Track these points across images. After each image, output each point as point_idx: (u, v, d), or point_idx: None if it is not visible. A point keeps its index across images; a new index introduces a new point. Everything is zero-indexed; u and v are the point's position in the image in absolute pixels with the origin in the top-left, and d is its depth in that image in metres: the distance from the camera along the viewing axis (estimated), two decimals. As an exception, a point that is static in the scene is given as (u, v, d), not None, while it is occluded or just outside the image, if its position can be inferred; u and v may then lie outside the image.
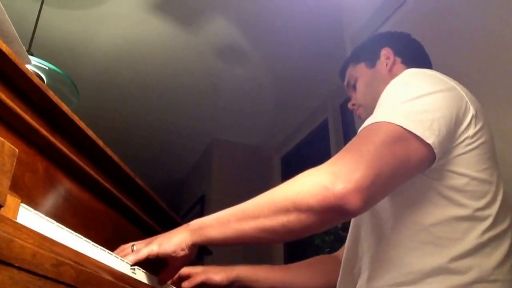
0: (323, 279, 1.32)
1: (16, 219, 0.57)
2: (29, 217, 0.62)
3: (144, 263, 0.96)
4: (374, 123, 0.90)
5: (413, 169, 0.90)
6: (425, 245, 0.91)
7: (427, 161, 0.90)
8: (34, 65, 2.30)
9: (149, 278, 1.02)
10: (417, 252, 0.92)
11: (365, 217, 1.08)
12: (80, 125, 0.94)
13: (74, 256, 0.59)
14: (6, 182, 0.48)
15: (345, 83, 1.42)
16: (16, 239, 0.47)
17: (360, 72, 1.36)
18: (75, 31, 3.36)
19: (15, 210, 0.58)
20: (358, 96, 1.35)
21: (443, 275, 0.88)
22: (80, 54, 3.58)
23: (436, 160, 0.90)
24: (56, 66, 2.42)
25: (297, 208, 0.82)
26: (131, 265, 0.91)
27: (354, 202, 0.78)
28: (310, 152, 4.05)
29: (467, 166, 0.94)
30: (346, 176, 0.80)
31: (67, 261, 0.56)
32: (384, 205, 0.98)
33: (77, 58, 3.61)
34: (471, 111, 0.98)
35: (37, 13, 2.72)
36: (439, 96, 0.95)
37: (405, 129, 0.86)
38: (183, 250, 0.94)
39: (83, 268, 0.59)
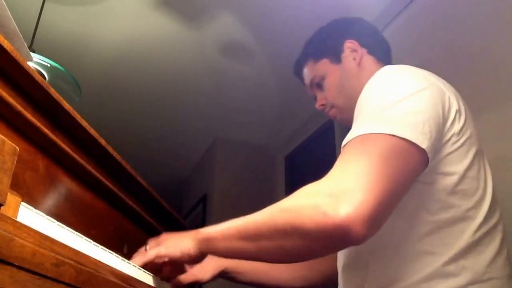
0: (310, 272, 1.31)
1: (16, 218, 0.58)
2: (30, 216, 0.62)
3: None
4: (366, 134, 0.83)
5: (412, 179, 0.85)
6: (421, 256, 0.89)
7: (422, 167, 0.86)
8: (35, 62, 2.31)
9: (153, 280, 1.02)
10: (414, 264, 0.89)
11: None
12: (82, 123, 0.94)
13: (74, 255, 0.59)
14: (7, 181, 0.48)
15: (307, 82, 1.33)
16: (16, 238, 0.48)
17: (325, 69, 1.27)
18: (77, 28, 3.36)
19: (15, 209, 0.58)
20: (328, 96, 1.27)
21: (436, 280, 0.86)
22: (82, 51, 3.58)
23: (428, 164, 0.86)
24: (58, 63, 2.42)
25: (297, 233, 0.77)
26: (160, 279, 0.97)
27: (358, 230, 0.72)
28: (315, 151, 4.04)
29: (456, 164, 0.90)
30: (348, 201, 0.73)
31: (67, 260, 0.56)
32: None
33: (79, 55, 3.62)
34: (454, 106, 0.93)
35: (39, 9, 2.72)
36: (424, 95, 0.90)
37: (399, 137, 0.81)
38: (190, 256, 0.96)
39: (83, 267, 0.59)
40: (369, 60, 1.24)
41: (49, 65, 2.36)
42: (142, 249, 1.03)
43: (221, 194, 4.47)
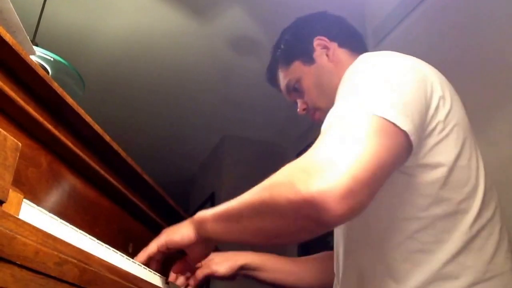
0: (332, 275, 1.31)
1: (18, 215, 0.58)
2: (32, 214, 0.62)
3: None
4: (346, 113, 0.81)
5: (394, 162, 0.80)
6: (414, 255, 0.87)
7: (405, 151, 0.82)
8: (38, 56, 2.32)
9: (160, 280, 1.03)
10: (407, 264, 0.87)
11: (340, 231, 1.05)
12: (86, 119, 0.95)
13: (78, 254, 0.59)
14: (9, 177, 0.48)
15: (283, 88, 1.31)
16: (18, 236, 0.48)
17: (299, 72, 1.25)
18: (81, 21, 3.37)
19: (17, 206, 0.58)
20: (309, 99, 1.25)
21: (436, 283, 0.84)
22: (86, 44, 3.60)
23: (413, 151, 0.83)
24: (62, 57, 2.43)
25: (271, 212, 0.76)
26: (166, 281, 0.99)
27: (331, 207, 0.66)
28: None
29: (444, 154, 0.88)
30: (322, 176, 0.68)
31: (70, 259, 0.56)
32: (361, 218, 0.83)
33: (83, 49, 3.63)
34: (437, 92, 0.91)
35: (42, 2, 2.74)
36: (406, 79, 0.88)
37: (380, 117, 0.77)
38: (190, 239, 0.96)
39: (87, 266, 0.60)
40: (342, 54, 1.24)
41: (52, 59, 2.37)
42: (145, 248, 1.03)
43: (230, 193, 4.40)
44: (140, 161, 1.25)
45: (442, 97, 0.91)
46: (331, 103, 0.89)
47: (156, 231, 1.44)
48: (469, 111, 1.79)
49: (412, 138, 0.80)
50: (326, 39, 1.25)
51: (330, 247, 1.20)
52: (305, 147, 3.71)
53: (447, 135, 0.89)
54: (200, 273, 1.20)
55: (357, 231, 0.98)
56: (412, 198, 0.88)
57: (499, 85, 1.73)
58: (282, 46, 1.32)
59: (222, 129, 4.73)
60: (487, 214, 0.91)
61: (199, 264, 1.20)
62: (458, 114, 0.94)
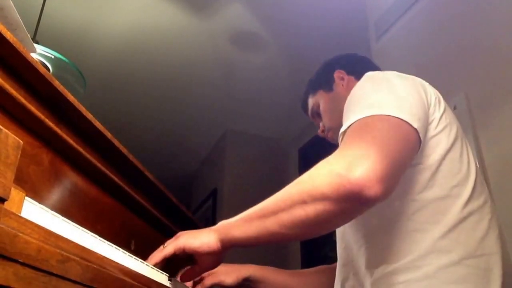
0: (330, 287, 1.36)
1: (20, 213, 0.58)
2: (34, 211, 0.62)
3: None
4: (363, 118, 0.92)
5: (411, 154, 0.94)
6: (411, 233, 0.96)
7: (417, 145, 0.94)
8: (39, 54, 2.32)
9: (162, 276, 1.03)
10: (405, 242, 0.96)
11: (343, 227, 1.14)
12: (87, 116, 0.95)
13: (80, 251, 0.60)
14: (10, 175, 0.48)
15: (309, 113, 1.53)
16: (21, 234, 0.48)
17: (320, 98, 1.47)
18: (82, 18, 3.37)
19: (19, 204, 0.59)
20: (325, 121, 1.45)
21: (431, 255, 0.92)
22: (87, 42, 3.60)
23: (420, 146, 0.95)
24: (62, 55, 2.43)
25: (314, 199, 0.83)
26: (169, 277, 1.01)
27: (373, 188, 0.79)
28: (329, 144, 4.03)
29: (437, 146, 0.99)
30: (361, 164, 0.80)
31: (73, 257, 0.57)
32: None
33: (84, 46, 3.63)
34: (434, 96, 1.06)
35: (42, 0, 2.74)
36: (407, 84, 1.03)
37: (394, 117, 0.91)
38: (209, 247, 0.97)
39: (89, 264, 0.60)
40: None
41: (53, 57, 2.37)
42: (160, 247, 1.03)
43: (232, 189, 4.47)
44: (141, 158, 1.26)
45: (438, 99, 1.06)
46: (341, 124, 1.01)
47: (158, 228, 1.45)
48: (472, 106, 1.80)
49: (421, 135, 0.93)
50: (344, 72, 1.45)
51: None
52: (307, 142, 3.70)
53: (440, 131, 1.01)
54: (208, 282, 1.26)
55: (363, 219, 1.04)
56: (410, 183, 0.98)
57: (500, 79, 1.73)
58: (312, 79, 1.54)
59: (224, 125, 4.73)
60: (478, 202, 1.00)
61: (205, 274, 1.24)
62: (450, 118, 1.07)
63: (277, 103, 4.26)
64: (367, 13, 2.75)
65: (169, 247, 1.00)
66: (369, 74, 1.11)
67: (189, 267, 1.10)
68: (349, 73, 1.45)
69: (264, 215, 0.90)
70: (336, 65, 1.49)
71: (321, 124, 1.49)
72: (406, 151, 0.91)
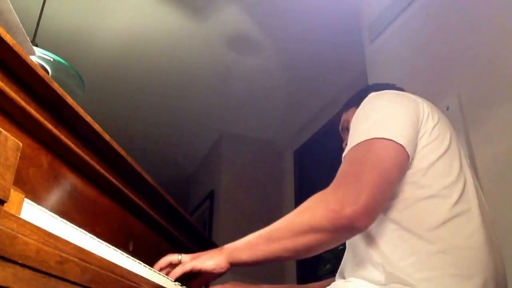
0: None
1: (19, 214, 0.58)
2: (33, 213, 0.62)
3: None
4: (356, 144, 1.05)
5: (400, 172, 1.04)
6: (398, 232, 1.02)
7: (406, 161, 1.04)
8: (38, 56, 2.32)
9: (159, 277, 1.03)
10: (392, 241, 1.02)
11: None
12: (86, 118, 0.95)
13: (79, 253, 0.59)
14: (10, 177, 0.48)
15: (340, 128, 1.59)
16: (20, 236, 0.48)
17: (351, 115, 1.47)
18: (81, 21, 3.37)
19: (18, 206, 0.58)
20: None
21: (416, 241, 0.99)
22: (86, 44, 3.59)
23: (410, 159, 1.04)
24: (61, 57, 2.43)
25: (314, 230, 1.00)
26: (173, 280, 1.11)
27: (362, 220, 0.95)
28: (324, 146, 4.03)
29: (431, 152, 1.07)
30: (352, 201, 0.95)
31: (72, 258, 0.56)
32: None
33: (83, 49, 3.63)
34: (426, 111, 1.13)
35: (41, 3, 2.74)
36: (399, 104, 1.13)
37: (382, 138, 1.02)
38: (222, 268, 1.13)
39: (88, 265, 0.60)
40: None
41: (52, 59, 2.37)
42: (175, 257, 1.17)
43: (229, 190, 4.47)
44: (139, 160, 1.26)
45: (431, 114, 1.14)
46: None
47: (156, 229, 1.45)
48: (464, 107, 1.80)
49: (408, 149, 1.03)
50: None
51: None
52: (302, 144, 3.70)
53: (433, 140, 1.09)
54: None
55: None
56: (400, 185, 1.06)
57: (492, 80, 1.74)
58: (350, 98, 1.60)
59: (221, 128, 4.74)
60: (467, 205, 1.05)
61: None
62: (444, 128, 1.14)
63: (272, 106, 4.26)
64: (360, 16, 2.76)
65: (188, 266, 1.13)
66: (369, 96, 1.21)
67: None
68: None
69: (269, 241, 1.06)
70: (372, 88, 1.53)
71: (346, 139, 1.53)
72: (396, 170, 1.02)
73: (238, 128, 4.70)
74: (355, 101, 1.51)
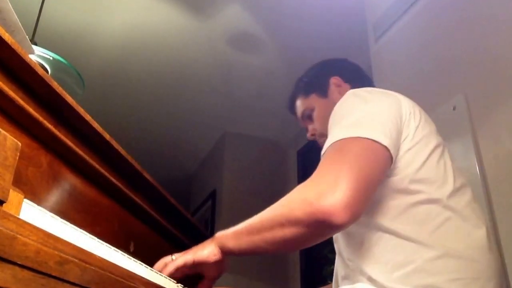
0: None
1: (19, 215, 0.58)
2: (33, 213, 0.62)
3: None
4: (336, 141, 1.02)
5: (381, 173, 1.01)
6: (394, 239, 1.01)
7: (388, 162, 1.02)
8: (37, 55, 2.32)
9: (161, 279, 1.03)
10: (386, 247, 1.02)
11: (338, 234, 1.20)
12: (86, 118, 0.95)
13: (79, 253, 0.60)
14: (9, 177, 0.48)
15: (299, 114, 1.56)
16: (19, 236, 0.48)
17: (314, 103, 1.50)
18: (80, 19, 3.37)
19: (18, 206, 0.59)
20: (317, 126, 1.48)
21: (414, 248, 0.98)
22: (86, 43, 3.60)
23: (393, 161, 1.03)
24: (61, 56, 2.43)
25: (290, 223, 0.96)
26: (176, 282, 1.11)
27: (340, 216, 0.89)
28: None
29: (416, 156, 1.06)
30: (331, 192, 0.91)
31: (71, 258, 0.56)
32: None
33: (82, 48, 3.63)
34: (408, 110, 1.12)
35: (40, 1, 2.74)
36: (382, 103, 1.11)
37: (364, 138, 0.99)
38: (215, 255, 1.11)
39: (88, 266, 0.60)
40: None
41: (51, 58, 2.37)
42: (169, 257, 1.15)
43: (231, 190, 4.47)
44: (140, 159, 1.26)
45: (413, 113, 1.12)
46: None
47: (157, 230, 1.45)
48: (471, 106, 1.80)
49: (391, 151, 1.01)
50: (340, 79, 1.49)
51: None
52: (305, 144, 3.70)
53: (417, 143, 1.08)
54: None
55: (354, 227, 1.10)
56: (388, 192, 1.05)
57: (499, 79, 1.73)
58: (305, 79, 1.57)
59: (223, 126, 4.73)
60: (458, 206, 1.05)
61: None
62: (428, 128, 1.13)
63: (275, 105, 4.26)
64: (365, 14, 2.75)
65: (180, 260, 1.12)
66: (350, 92, 1.19)
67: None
68: (346, 81, 1.48)
69: (251, 232, 1.04)
70: (332, 70, 1.52)
71: (311, 128, 1.52)
72: (377, 170, 0.99)
73: (241, 127, 4.69)
74: (316, 86, 1.50)
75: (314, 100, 1.49)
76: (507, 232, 1.54)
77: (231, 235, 1.09)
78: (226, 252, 1.11)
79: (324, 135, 1.39)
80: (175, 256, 1.15)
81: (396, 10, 2.42)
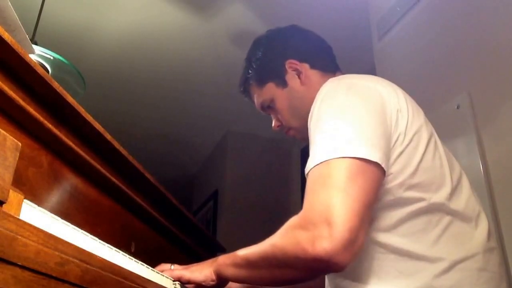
0: None
1: (19, 215, 0.58)
2: (33, 214, 0.62)
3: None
4: (322, 162, 0.90)
5: (376, 192, 0.91)
6: (392, 254, 0.94)
7: (382, 177, 0.92)
8: (38, 55, 2.32)
9: (162, 279, 1.03)
10: (385, 262, 0.95)
11: None
12: (87, 118, 0.95)
13: (79, 254, 0.60)
14: (9, 177, 0.48)
15: (257, 106, 1.42)
16: (19, 237, 0.48)
17: (273, 93, 1.33)
18: (81, 18, 3.37)
19: (18, 207, 0.59)
20: (283, 120, 1.34)
21: (416, 263, 0.91)
22: (86, 42, 3.60)
23: (386, 174, 0.93)
24: (62, 56, 2.43)
25: (287, 266, 0.89)
26: (173, 281, 1.12)
27: (341, 257, 0.80)
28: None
29: (409, 159, 0.97)
30: (325, 237, 0.81)
31: (72, 259, 0.57)
32: None
33: (83, 47, 3.63)
34: (394, 107, 1.00)
35: (41, 0, 2.74)
36: (365, 109, 0.97)
37: (352, 157, 0.88)
38: (212, 280, 1.11)
39: (89, 266, 0.60)
40: (314, 76, 1.30)
41: (52, 58, 2.37)
42: (168, 265, 1.17)
43: (233, 190, 4.46)
44: (142, 159, 1.26)
45: (399, 110, 1.00)
46: (303, 123, 1.04)
47: (158, 230, 1.45)
48: (475, 105, 1.80)
49: (383, 164, 0.90)
50: (297, 62, 1.31)
51: None
52: (308, 144, 3.65)
53: (408, 145, 0.97)
54: None
55: None
56: (386, 203, 0.96)
57: (503, 78, 1.73)
58: (254, 66, 1.40)
59: (225, 125, 4.73)
60: (458, 208, 0.99)
61: None
62: (417, 121, 1.02)
63: (278, 104, 4.25)
64: (369, 13, 2.75)
65: (176, 273, 1.13)
66: (328, 90, 1.05)
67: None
68: (301, 60, 1.31)
69: (250, 266, 1.00)
70: (285, 51, 1.34)
71: (275, 119, 1.39)
72: (371, 192, 0.88)
73: (244, 126, 4.68)
74: (271, 74, 1.33)
75: (272, 90, 1.33)
76: (510, 231, 1.54)
77: (230, 264, 1.06)
78: (224, 279, 1.10)
79: (292, 128, 1.34)
80: (173, 266, 1.17)
81: (400, 8, 2.41)
